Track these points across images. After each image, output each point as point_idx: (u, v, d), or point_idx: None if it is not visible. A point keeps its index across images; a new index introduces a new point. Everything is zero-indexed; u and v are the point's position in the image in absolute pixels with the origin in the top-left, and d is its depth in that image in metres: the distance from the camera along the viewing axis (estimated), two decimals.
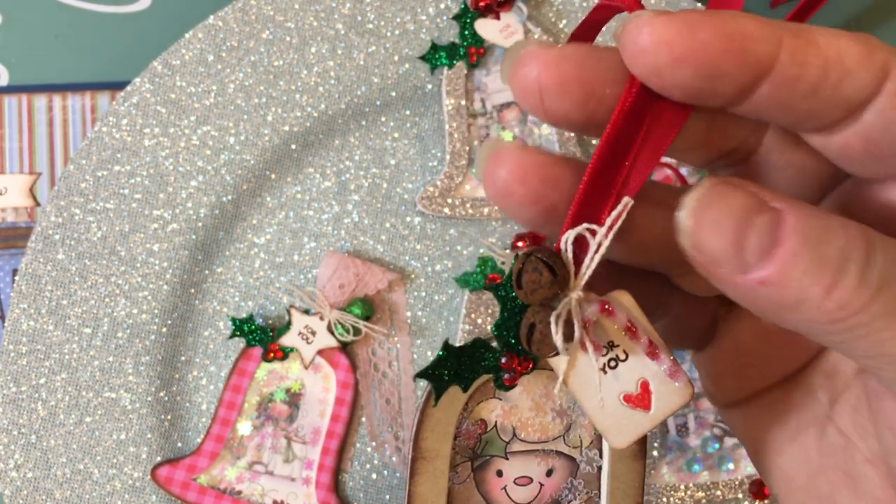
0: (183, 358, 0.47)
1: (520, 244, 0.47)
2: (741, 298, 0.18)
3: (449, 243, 0.48)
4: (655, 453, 0.46)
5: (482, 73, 0.49)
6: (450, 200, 0.48)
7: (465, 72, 0.48)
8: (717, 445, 0.47)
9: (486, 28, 0.48)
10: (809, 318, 0.18)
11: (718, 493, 0.46)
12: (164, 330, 0.46)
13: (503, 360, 0.23)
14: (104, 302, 0.46)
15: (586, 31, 0.23)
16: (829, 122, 0.19)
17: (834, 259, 0.17)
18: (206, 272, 0.47)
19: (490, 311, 0.47)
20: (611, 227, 0.20)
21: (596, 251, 0.20)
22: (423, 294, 0.48)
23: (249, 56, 0.47)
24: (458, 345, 0.23)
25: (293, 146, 0.48)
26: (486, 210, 0.48)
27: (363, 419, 0.47)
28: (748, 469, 0.47)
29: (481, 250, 0.48)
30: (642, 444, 0.25)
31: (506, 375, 0.23)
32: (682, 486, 0.46)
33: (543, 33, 0.48)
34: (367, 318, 0.46)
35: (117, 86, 0.50)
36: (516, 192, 0.20)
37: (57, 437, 0.45)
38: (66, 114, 0.50)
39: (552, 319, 0.20)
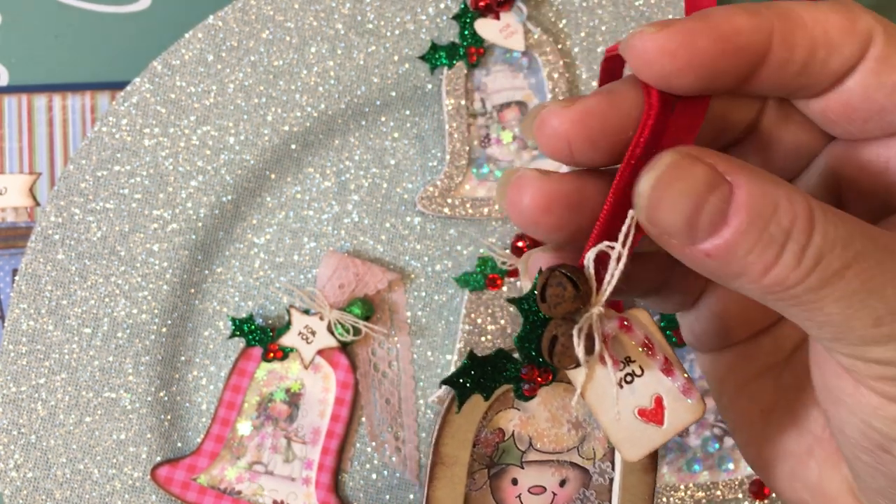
0: (183, 358, 0.47)
1: (520, 244, 0.47)
2: (688, 264, 0.20)
3: (449, 243, 0.48)
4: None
5: (482, 73, 0.49)
6: (450, 200, 0.48)
7: (465, 72, 0.48)
8: (717, 445, 0.47)
9: (485, 28, 0.48)
10: (749, 287, 0.19)
11: (718, 493, 0.46)
12: (164, 330, 0.46)
13: (524, 372, 0.24)
14: (104, 302, 0.46)
15: (608, 75, 0.23)
16: (817, 92, 0.20)
17: (777, 238, 0.18)
18: (206, 272, 0.47)
19: (490, 311, 0.47)
20: (624, 242, 0.20)
21: (616, 266, 0.21)
22: (423, 294, 0.48)
23: (249, 56, 0.47)
24: (481, 354, 0.24)
25: (293, 146, 0.48)
26: (486, 210, 0.48)
27: (363, 419, 0.47)
28: (748, 469, 0.47)
29: (481, 250, 0.48)
30: (653, 457, 0.26)
31: (526, 386, 0.24)
32: (682, 486, 0.46)
33: (543, 33, 0.48)
34: (366, 318, 0.46)
35: (117, 86, 0.50)
36: (542, 221, 0.21)
37: (57, 437, 0.45)
38: (66, 114, 0.50)
39: (574, 332, 0.21)
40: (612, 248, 0.21)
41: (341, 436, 0.46)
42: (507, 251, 0.48)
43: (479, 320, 0.47)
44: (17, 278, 0.45)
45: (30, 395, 0.45)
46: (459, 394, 0.24)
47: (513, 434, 0.26)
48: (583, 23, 0.49)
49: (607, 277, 0.21)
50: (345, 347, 0.46)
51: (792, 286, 0.18)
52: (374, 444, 0.47)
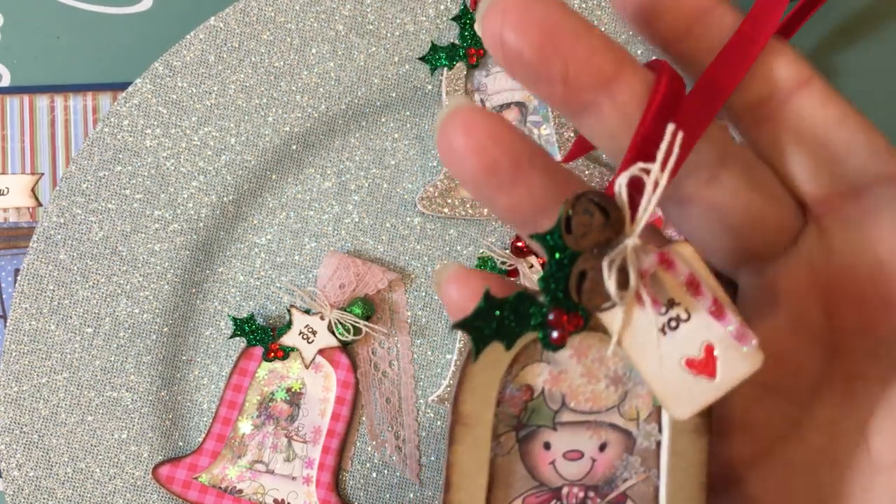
0: (184, 357, 0.47)
1: (519, 244, 0.47)
2: None
3: (449, 243, 0.49)
4: None
5: (482, 74, 0.49)
6: (449, 201, 0.48)
7: (465, 73, 0.48)
8: None
9: None
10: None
11: None
12: (166, 329, 0.47)
13: (551, 317, 0.20)
14: (106, 301, 0.46)
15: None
16: None
17: None
18: (208, 272, 0.47)
19: None
20: (664, 164, 0.18)
21: (653, 192, 0.18)
22: (424, 294, 0.48)
23: (250, 57, 0.48)
24: (499, 297, 0.20)
25: (294, 147, 0.48)
26: (485, 210, 0.48)
27: (364, 418, 0.47)
28: None
29: (481, 250, 0.48)
30: (707, 417, 0.22)
31: (554, 334, 0.20)
32: None
33: None
34: (367, 318, 0.46)
35: (119, 87, 0.50)
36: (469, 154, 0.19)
37: (59, 436, 0.45)
38: (68, 114, 0.50)
39: (604, 265, 0.19)
40: (648, 171, 0.18)
41: (342, 435, 0.46)
42: (507, 251, 0.48)
43: None
44: (19, 278, 0.46)
45: (32, 395, 0.45)
46: (475, 340, 0.20)
47: (542, 391, 0.22)
48: None
49: (643, 204, 0.18)
50: (345, 347, 0.47)
51: None
52: (374, 442, 0.47)
